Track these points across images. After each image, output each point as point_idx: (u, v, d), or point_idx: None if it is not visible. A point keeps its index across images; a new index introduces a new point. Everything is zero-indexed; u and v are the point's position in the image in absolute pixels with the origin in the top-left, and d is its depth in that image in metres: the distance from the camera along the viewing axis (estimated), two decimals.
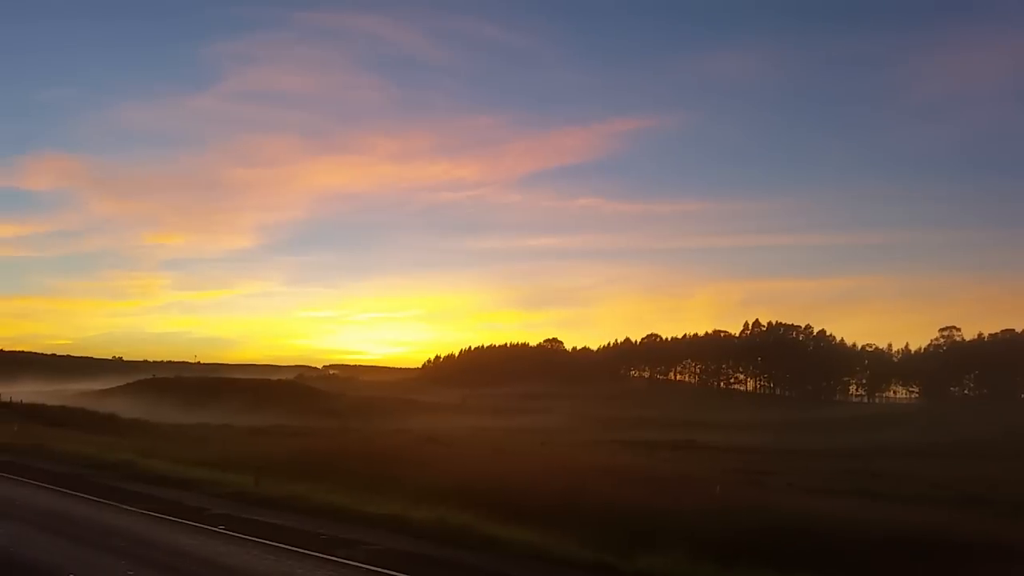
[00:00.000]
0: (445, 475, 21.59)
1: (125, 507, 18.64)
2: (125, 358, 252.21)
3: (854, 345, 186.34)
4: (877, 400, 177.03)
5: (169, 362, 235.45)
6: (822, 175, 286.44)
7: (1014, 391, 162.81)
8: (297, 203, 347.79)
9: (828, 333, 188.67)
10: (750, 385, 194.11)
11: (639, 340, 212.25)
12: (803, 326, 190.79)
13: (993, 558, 14.82)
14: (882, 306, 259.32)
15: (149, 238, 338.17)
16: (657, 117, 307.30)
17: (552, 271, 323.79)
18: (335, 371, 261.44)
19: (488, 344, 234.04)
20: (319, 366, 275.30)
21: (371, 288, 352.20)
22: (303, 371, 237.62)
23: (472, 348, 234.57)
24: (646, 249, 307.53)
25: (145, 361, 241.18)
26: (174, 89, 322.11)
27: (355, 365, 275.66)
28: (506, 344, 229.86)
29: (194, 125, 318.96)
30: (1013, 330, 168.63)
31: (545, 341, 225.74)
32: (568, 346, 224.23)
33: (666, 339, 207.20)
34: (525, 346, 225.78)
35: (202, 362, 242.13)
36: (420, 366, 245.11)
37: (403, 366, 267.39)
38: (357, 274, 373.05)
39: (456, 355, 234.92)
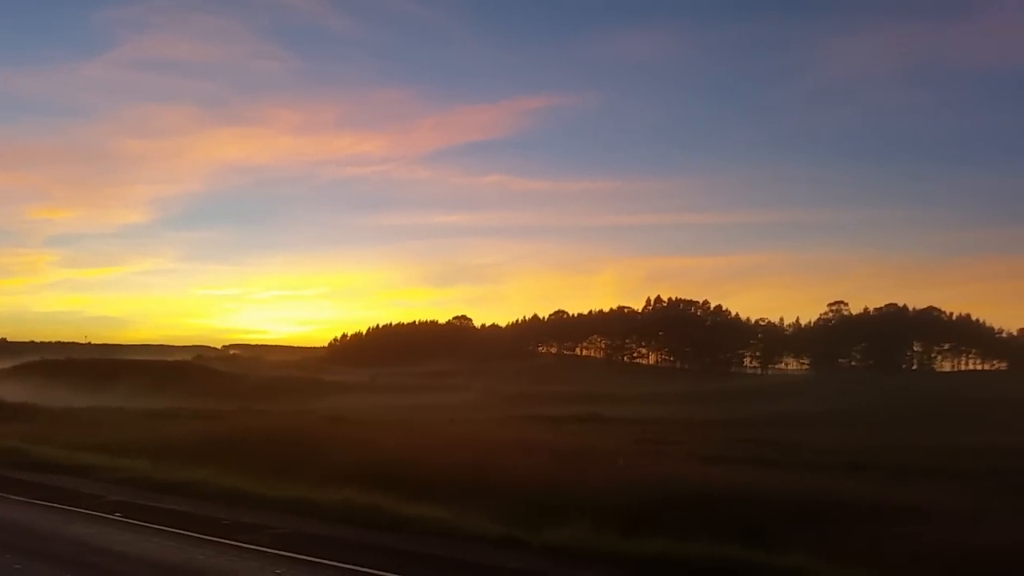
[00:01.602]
0: (352, 455, 21.38)
1: (12, 497, 17.70)
2: (9, 339, 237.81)
3: (749, 319, 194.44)
4: (770, 372, 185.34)
5: (58, 343, 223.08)
6: (723, 156, 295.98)
7: (897, 362, 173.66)
8: (193, 176, 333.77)
9: (725, 308, 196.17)
10: (652, 359, 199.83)
11: (547, 316, 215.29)
12: (701, 301, 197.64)
13: (877, 518, 15.81)
14: (775, 282, 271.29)
15: (34, 212, 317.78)
16: (566, 96, 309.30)
17: (460, 248, 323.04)
18: (236, 351, 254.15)
19: (396, 322, 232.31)
20: (219, 346, 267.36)
21: (273, 265, 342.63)
22: (202, 351, 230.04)
23: (380, 326, 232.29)
24: (553, 227, 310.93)
25: (32, 342, 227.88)
26: (63, 55, 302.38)
27: (258, 345, 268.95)
28: (415, 322, 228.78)
29: (84, 94, 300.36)
30: (896, 304, 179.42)
31: (454, 318, 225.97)
32: (477, 323, 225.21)
33: (573, 315, 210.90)
34: (434, 323, 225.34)
35: (93, 343, 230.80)
36: (326, 345, 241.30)
37: (309, 345, 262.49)
38: (258, 251, 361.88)
39: (364, 333, 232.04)
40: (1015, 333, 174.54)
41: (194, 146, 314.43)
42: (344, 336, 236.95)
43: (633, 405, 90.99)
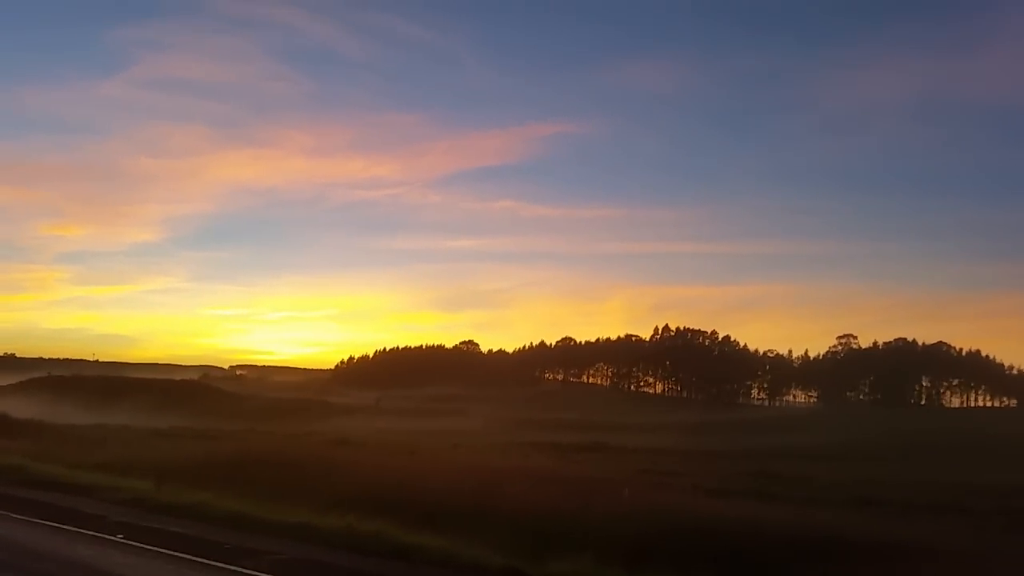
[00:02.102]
0: (356, 480, 21.33)
1: (14, 516, 17.69)
2: (18, 355, 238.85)
3: (756, 351, 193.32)
4: (777, 404, 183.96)
5: (66, 360, 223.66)
6: (733, 186, 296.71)
7: (905, 396, 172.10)
8: (205, 196, 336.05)
9: (732, 339, 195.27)
10: (658, 388, 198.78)
11: (554, 343, 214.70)
12: (709, 331, 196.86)
13: (880, 557, 15.66)
14: (784, 313, 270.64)
15: (46, 229, 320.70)
16: (577, 123, 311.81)
17: (469, 273, 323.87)
18: (243, 371, 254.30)
19: (403, 345, 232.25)
20: (225, 366, 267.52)
21: (282, 286, 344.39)
22: (208, 371, 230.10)
23: (387, 349, 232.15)
24: (563, 253, 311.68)
25: (40, 358, 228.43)
26: (78, 74, 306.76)
27: (264, 365, 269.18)
28: (422, 346, 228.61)
29: (99, 112, 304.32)
30: (905, 339, 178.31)
31: (461, 343, 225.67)
32: (484, 348, 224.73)
33: (580, 342, 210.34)
34: (441, 348, 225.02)
35: (101, 360, 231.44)
36: (333, 367, 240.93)
37: (315, 367, 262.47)
38: (268, 272, 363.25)
39: (370, 356, 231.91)
40: None
41: (207, 166, 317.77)
42: (351, 358, 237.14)
43: (639, 435, 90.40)
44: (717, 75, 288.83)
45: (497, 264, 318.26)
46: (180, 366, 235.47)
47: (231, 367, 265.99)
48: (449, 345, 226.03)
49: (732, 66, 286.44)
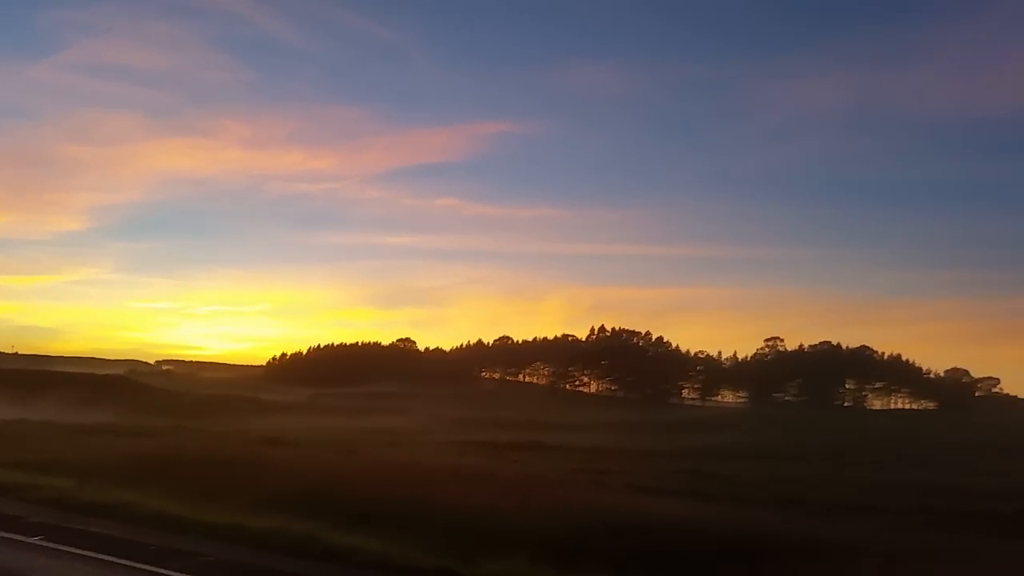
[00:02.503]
0: (288, 479, 20.99)
1: None
2: None
3: (689, 352, 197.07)
4: (708, 404, 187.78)
5: None
6: (672, 190, 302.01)
7: (830, 399, 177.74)
8: (136, 185, 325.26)
9: (666, 340, 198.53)
10: (594, 388, 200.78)
11: (492, 342, 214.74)
12: (644, 332, 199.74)
13: (804, 556, 16.13)
14: (715, 316, 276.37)
15: None
16: (522, 122, 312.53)
17: (408, 270, 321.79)
18: (170, 366, 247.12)
19: (339, 342, 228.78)
20: (152, 361, 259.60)
21: (214, 280, 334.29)
22: (134, 366, 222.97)
23: (322, 346, 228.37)
24: (502, 252, 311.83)
25: None
26: (7, 56, 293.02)
27: (193, 361, 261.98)
28: (357, 343, 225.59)
29: (27, 96, 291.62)
30: (830, 342, 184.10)
31: (398, 341, 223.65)
32: (421, 346, 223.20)
33: (518, 341, 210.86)
34: (377, 345, 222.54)
35: (21, 353, 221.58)
36: (265, 364, 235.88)
37: (247, 363, 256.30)
38: (199, 264, 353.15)
39: (304, 353, 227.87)
40: (942, 374, 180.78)
41: (139, 155, 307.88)
42: (284, 355, 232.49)
43: (575, 433, 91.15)
44: (662, 80, 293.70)
45: (436, 262, 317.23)
46: (105, 360, 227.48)
47: (157, 362, 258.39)
48: (386, 343, 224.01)
49: (677, 72, 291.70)
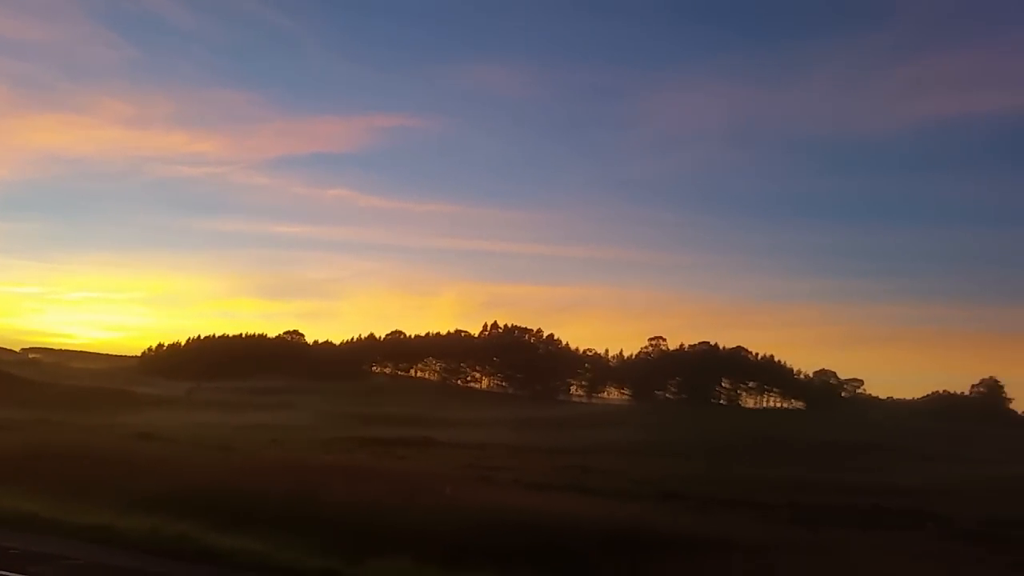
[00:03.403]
0: (163, 477, 20.08)
1: None
2: None
3: (578, 349, 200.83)
4: (595, 401, 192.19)
5: None
6: (564, 192, 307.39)
7: (707, 396, 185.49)
8: (3, 162, 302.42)
9: (556, 337, 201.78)
10: (485, 384, 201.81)
11: (383, 336, 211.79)
12: (535, 330, 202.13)
13: (683, 549, 16.78)
14: (603, 315, 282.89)
15: None
16: (419, 117, 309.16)
17: (297, 261, 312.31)
18: (37, 355, 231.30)
19: (221, 334, 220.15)
20: (17, 349, 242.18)
21: (86, 264, 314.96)
22: None
23: (202, 337, 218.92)
24: (395, 246, 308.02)
25: None
26: None
27: (62, 350, 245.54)
28: (241, 334, 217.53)
29: None
30: (709, 342, 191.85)
31: (285, 333, 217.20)
32: (310, 339, 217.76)
33: (410, 336, 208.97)
34: (263, 337, 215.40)
35: None
36: (140, 355, 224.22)
37: (120, 353, 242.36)
38: (70, 247, 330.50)
39: (183, 344, 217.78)
40: (811, 375, 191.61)
41: (7, 130, 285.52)
42: (160, 346, 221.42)
43: (465, 429, 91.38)
44: (556, 84, 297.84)
45: (327, 253, 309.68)
46: None
47: (23, 350, 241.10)
48: (272, 335, 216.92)
49: (570, 77, 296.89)
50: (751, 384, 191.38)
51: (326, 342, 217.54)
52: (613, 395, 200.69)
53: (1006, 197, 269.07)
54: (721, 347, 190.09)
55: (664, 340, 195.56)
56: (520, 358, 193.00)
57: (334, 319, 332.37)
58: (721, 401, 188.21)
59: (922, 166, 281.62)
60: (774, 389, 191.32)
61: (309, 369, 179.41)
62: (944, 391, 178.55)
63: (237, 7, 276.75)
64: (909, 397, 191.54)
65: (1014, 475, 59.57)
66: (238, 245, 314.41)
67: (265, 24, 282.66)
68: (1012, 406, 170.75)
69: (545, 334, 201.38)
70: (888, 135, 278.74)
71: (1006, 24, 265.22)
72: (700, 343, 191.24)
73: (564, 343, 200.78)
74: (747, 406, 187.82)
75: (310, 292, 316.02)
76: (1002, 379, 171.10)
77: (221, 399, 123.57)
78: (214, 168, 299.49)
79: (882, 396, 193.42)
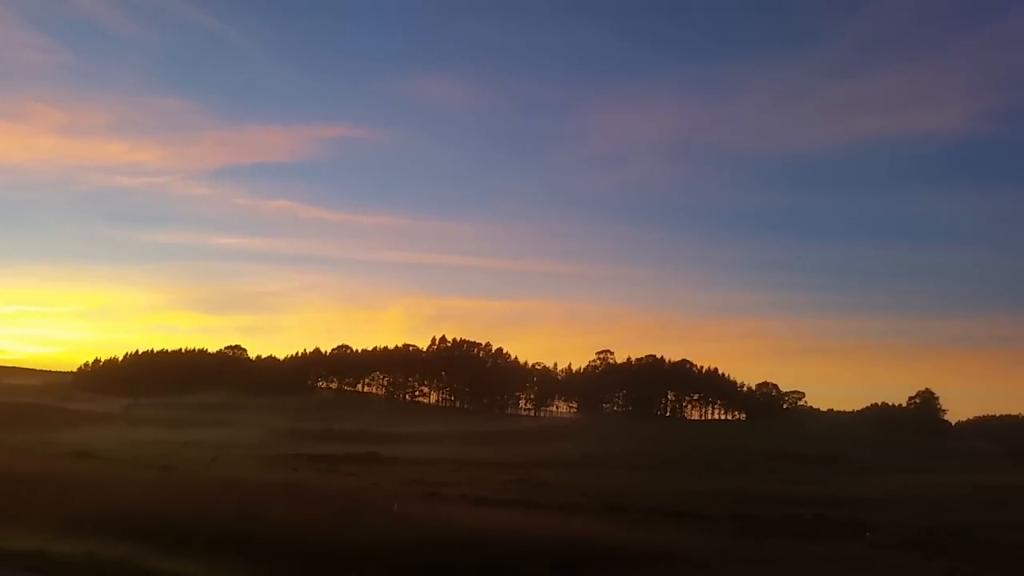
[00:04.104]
0: (100, 499, 19.49)
1: None
2: None
3: (526, 363, 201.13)
4: (543, 414, 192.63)
5: None
6: (511, 205, 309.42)
7: (653, 409, 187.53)
8: None
9: (505, 351, 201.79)
10: (433, 398, 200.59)
11: (329, 351, 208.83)
12: (484, 344, 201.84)
13: (631, 562, 16.92)
14: (552, 329, 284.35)
15: None
16: (365, 127, 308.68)
17: (239, 273, 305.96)
18: None
19: (160, 348, 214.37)
20: None
21: (19, 276, 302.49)
22: None
23: (140, 352, 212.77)
24: (342, 259, 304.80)
25: None
26: None
27: None
28: (181, 349, 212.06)
29: None
30: (655, 355, 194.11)
31: (226, 348, 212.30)
32: (252, 354, 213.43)
33: (356, 350, 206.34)
34: (203, 352, 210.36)
35: None
36: (76, 370, 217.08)
37: (55, 369, 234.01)
38: (2, 259, 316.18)
39: (121, 359, 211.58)
40: (753, 387, 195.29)
41: None
42: (97, 361, 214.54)
43: (412, 445, 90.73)
44: (504, 98, 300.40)
45: (270, 266, 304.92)
46: None
47: None
48: (212, 350, 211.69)
49: (518, 91, 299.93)
50: (695, 396, 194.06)
51: (269, 357, 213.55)
52: (561, 409, 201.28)
53: (937, 211, 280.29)
54: (667, 360, 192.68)
55: (611, 354, 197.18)
56: (468, 372, 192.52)
57: (277, 333, 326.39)
58: (666, 413, 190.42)
59: (859, 182, 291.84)
60: (718, 401, 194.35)
61: (252, 384, 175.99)
62: (882, 403, 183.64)
63: (177, 13, 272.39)
64: (849, 409, 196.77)
65: (948, 484, 61.69)
66: (178, 257, 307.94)
67: (206, 31, 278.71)
68: (946, 417, 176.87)
69: (494, 348, 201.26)
70: (824, 152, 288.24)
71: (933, 47, 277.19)
72: (646, 356, 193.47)
73: (513, 357, 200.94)
74: (691, 418, 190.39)
75: (252, 306, 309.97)
76: (937, 391, 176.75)
77: (160, 416, 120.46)
78: (153, 178, 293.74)
79: (823, 408, 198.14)
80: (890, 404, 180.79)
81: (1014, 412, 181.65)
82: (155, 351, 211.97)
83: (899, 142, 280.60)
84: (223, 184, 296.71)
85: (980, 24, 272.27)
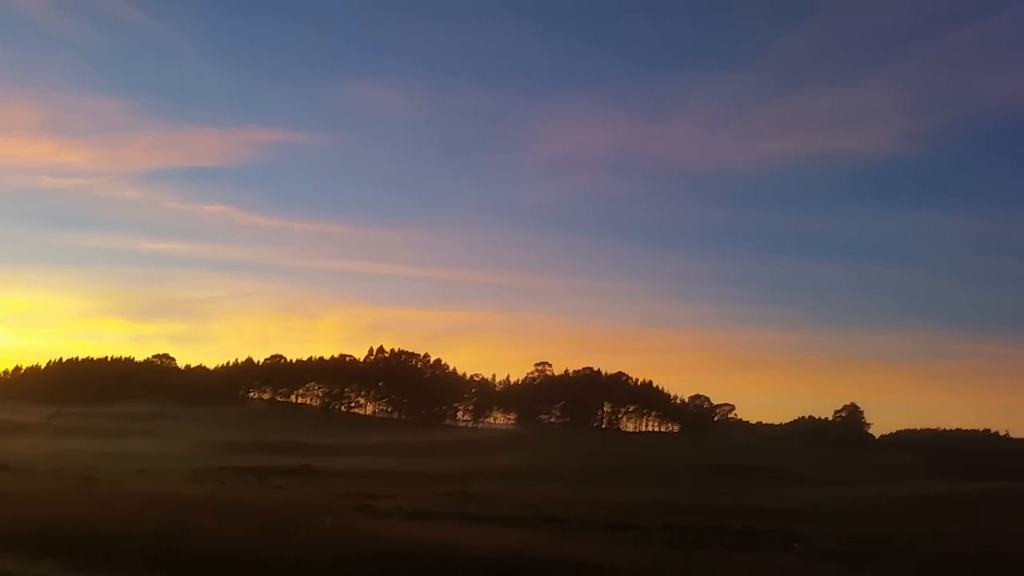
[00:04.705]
0: (18, 514, 18.75)
1: None
2: None
3: (465, 374, 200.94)
4: (480, 426, 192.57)
5: None
6: (452, 215, 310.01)
7: (589, 420, 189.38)
8: None
9: (444, 362, 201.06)
10: (370, 409, 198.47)
11: (262, 360, 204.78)
12: (422, 354, 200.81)
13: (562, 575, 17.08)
14: (491, 340, 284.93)
15: None
16: (303, 133, 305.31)
17: (169, 280, 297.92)
18: None
19: (85, 356, 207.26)
20: None
21: None
22: None
23: (64, 360, 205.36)
24: (277, 266, 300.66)
25: None
26: None
27: None
28: (107, 357, 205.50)
29: None
30: (592, 368, 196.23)
31: (154, 356, 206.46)
32: (181, 363, 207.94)
33: (291, 360, 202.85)
34: (130, 361, 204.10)
35: None
36: None
37: None
38: None
39: (43, 367, 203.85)
40: (686, 400, 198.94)
41: None
42: (18, 368, 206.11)
43: (347, 457, 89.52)
44: (444, 106, 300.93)
45: (203, 272, 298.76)
46: None
47: None
48: (140, 358, 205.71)
49: (458, 100, 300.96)
50: (631, 408, 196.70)
51: (199, 366, 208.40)
52: (499, 420, 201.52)
53: (866, 230, 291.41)
54: (603, 372, 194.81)
55: (550, 365, 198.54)
56: (406, 383, 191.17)
57: (209, 342, 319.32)
58: (603, 425, 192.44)
59: (792, 200, 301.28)
60: (652, 413, 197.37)
61: (181, 394, 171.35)
62: (809, 416, 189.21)
63: (111, 11, 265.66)
64: (777, 422, 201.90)
65: (871, 495, 63.87)
66: (106, 262, 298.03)
67: (141, 29, 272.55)
68: (870, 430, 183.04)
69: (432, 359, 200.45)
70: (759, 169, 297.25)
71: (866, 69, 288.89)
72: (584, 368, 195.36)
73: (451, 368, 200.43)
74: (627, 430, 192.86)
75: (183, 313, 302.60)
76: (862, 404, 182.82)
77: (85, 426, 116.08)
78: (82, 180, 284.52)
79: (752, 421, 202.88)
80: (817, 417, 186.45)
81: (933, 425, 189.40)
82: (80, 359, 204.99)
83: (831, 161, 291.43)
84: (155, 188, 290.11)
85: (911, 48, 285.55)
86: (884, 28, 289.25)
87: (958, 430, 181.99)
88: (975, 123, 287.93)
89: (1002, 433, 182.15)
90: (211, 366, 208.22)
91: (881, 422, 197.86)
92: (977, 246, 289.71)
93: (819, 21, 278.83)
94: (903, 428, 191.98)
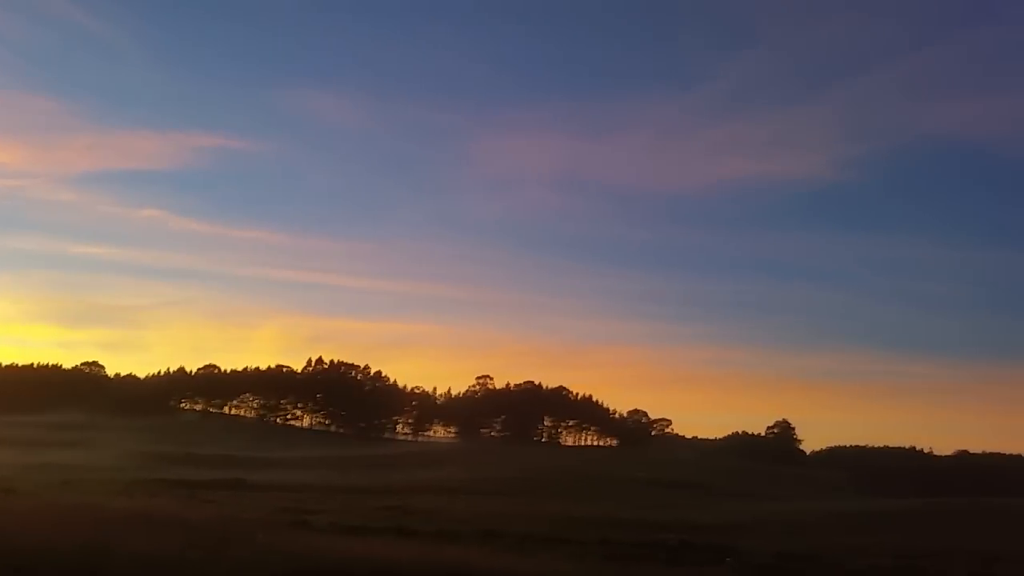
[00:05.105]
0: None
1: None
2: None
3: (405, 387, 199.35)
4: (421, 439, 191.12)
5: None
6: (393, 226, 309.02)
7: (530, 434, 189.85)
8: None
9: (384, 374, 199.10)
10: (307, 421, 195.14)
11: (195, 370, 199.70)
12: (362, 366, 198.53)
13: None
14: (433, 352, 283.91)
15: None
16: (243, 139, 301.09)
17: (100, 285, 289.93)
18: None
19: (10, 363, 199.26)
20: None
21: None
22: None
23: None
24: (213, 273, 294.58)
25: None
26: None
27: None
28: (32, 364, 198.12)
29: None
30: (533, 382, 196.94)
31: (83, 364, 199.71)
32: (111, 371, 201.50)
33: (225, 371, 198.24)
34: (57, 369, 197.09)
35: None
36: None
37: None
38: None
39: None
40: (625, 415, 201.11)
41: None
42: None
43: (282, 470, 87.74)
44: (390, 118, 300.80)
45: (134, 278, 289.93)
46: None
47: None
48: (68, 366, 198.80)
49: (405, 114, 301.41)
50: (571, 423, 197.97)
51: (129, 375, 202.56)
52: (440, 433, 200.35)
53: (800, 253, 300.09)
54: (544, 387, 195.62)
55: (491, 379, 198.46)
56: (345, 395, 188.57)
57: (140, 350, 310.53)
58: (543, 439, 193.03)
59: (729, 221, 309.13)
60: (592, 428, 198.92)
61: (109, 404, 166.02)
62: (743, 432, 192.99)
63: (47, 8, 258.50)
64: (712, 437, 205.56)
65: (801, 511, 65.40)
66: (34, 265, 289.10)
67: (78, 28, 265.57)
68: (802, 447, 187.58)
69: (372, 371, 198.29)
70: (698, 191, 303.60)
71: (802, 97, 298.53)
72: (525, 382, 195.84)
73: (392, 380, 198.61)
74: (567, 444, 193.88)
75: (114, 320, 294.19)
76: (794, 421, 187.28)
77: (7, 435, 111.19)
78: (12, 180, 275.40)
79: (687, 435, 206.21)
80: (750, 433, 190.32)
81: (862, 442, 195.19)
82: (4, 365, 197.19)
83: (767, 185, 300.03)
84: (89, 190, 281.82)
85: (848, 77, 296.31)
86: (823, 57, 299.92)
87: (885, 447, 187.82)
88: (907, 151, 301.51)
89: (927, 450, 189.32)
90: (142, 375, 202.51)
91: (812, 438, 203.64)
92: (906, 270, 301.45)
93: (761, 48, 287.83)
94: (833, 445, 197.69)
